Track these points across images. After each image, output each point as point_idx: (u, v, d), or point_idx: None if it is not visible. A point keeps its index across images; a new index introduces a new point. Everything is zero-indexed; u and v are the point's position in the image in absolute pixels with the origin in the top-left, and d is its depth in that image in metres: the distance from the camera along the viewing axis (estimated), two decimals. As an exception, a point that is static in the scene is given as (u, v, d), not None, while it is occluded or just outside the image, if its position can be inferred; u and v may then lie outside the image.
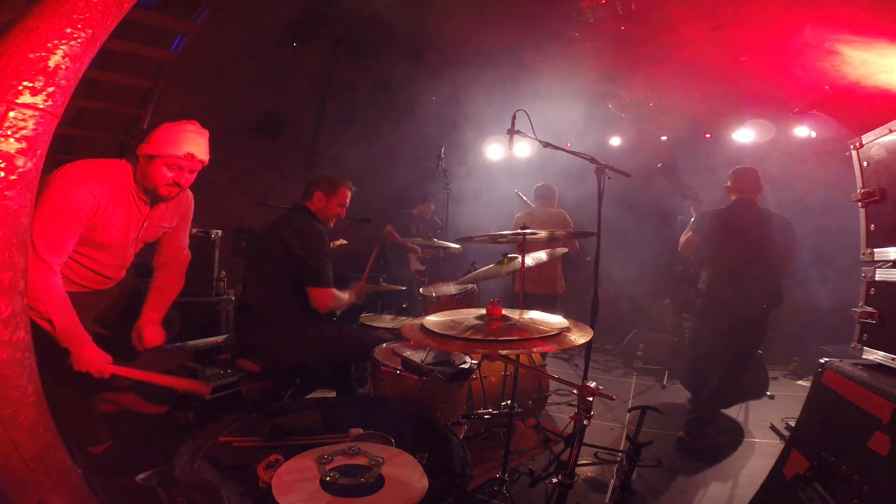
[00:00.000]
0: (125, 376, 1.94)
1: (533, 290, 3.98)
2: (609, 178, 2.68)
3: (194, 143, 2.01)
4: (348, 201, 2.69)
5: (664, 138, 6.08)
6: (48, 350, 1.84)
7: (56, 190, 1.80)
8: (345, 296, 2.54)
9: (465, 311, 1.70)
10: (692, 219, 3.33)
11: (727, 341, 2.94)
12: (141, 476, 1.34)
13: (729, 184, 3.11)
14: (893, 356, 1.55)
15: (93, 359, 1.83)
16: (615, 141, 5.96)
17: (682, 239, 3.29)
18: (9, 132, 1.20)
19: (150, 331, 2.14)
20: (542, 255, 2.99)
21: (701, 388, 3.15)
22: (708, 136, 5.72)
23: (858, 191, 1.78)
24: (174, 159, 1.97)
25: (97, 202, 1.88)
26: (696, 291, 3.27)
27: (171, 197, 2.08)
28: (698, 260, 3.51)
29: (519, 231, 2.39)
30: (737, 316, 2.89)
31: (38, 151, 1.28)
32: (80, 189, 1.84)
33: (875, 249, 1.70)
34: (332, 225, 2.66)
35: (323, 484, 1.24)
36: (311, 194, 2.58)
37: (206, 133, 2.06)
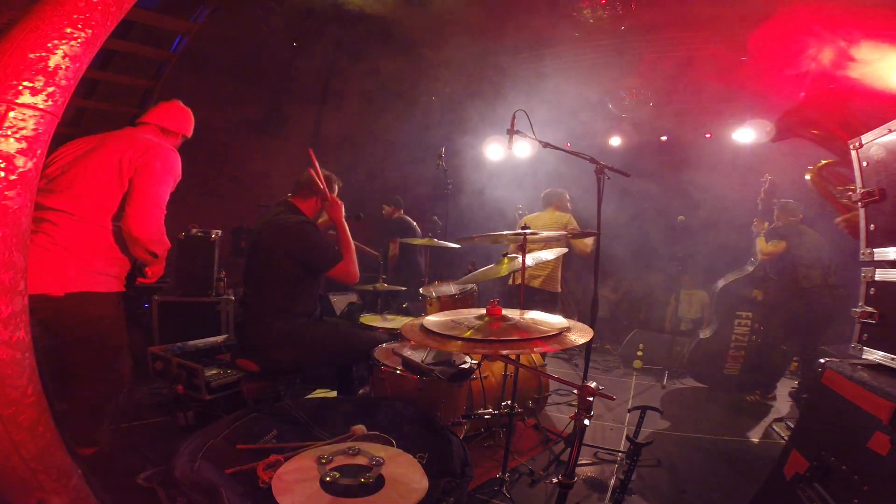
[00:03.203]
0: None
1: (537, 284, 4.05)
2: (609, 178, 2.68)
3: None
4: None
5: (664, 138, 6.08)
6: (74, 350, 1.91)
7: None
8: (349, 257, 2.47)
9: (465, 311, 1.70)
10: (763, 229, 4.09)
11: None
12: (141, 476, 1.34)
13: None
14: (893, 356, 1.55)
15: None
16: (615, 141, 5.96)
17: (773, 247, 3.94)
18: (9, 132, 1.20)
19: None
20: (542, 256, 2.99)
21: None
22: (708, 136, 5.72)
23: (858, 191, 1.78)
24: None
25: None
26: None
27: None
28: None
29: (519, 231, 2.39)
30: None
31: (38, 151, 1.28)
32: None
33: (875, 249, 1.70)
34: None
35: (323, 484, 1.24)
36: (312, 195, 2.56)
37: None
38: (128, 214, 1.92)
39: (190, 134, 2.37)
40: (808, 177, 2.45)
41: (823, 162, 2.39)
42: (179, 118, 2.27)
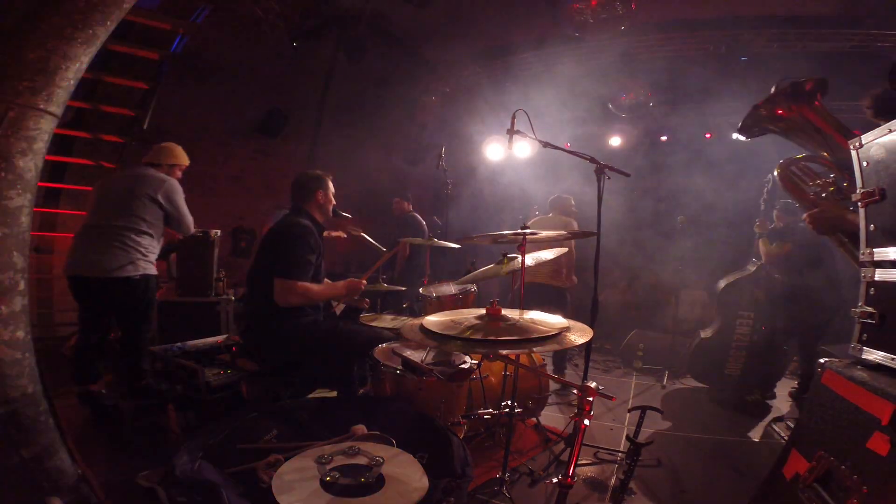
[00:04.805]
0: None
1: (545, 280, 4.04)
2: (609, 177, 2.68)
3: None
4: None
5: (664, 138, 6.08)
6: (144, 306, 2.96)
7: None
8: (317, 288, 2.47)
9: (465, 311, 1.70)
10: (767, 230, 4.02)
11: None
12: (141, 476, 1.34)
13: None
14: (893, 356, 1.55)
15: None
16: (615, 141, 5.96)
17: (778, 249, 3.90)
18: (9, 132, 1.20)
19: None
20: (545, 255, 2.98)
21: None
22: (708, 135, 5.72)
23: (858, 191, 1.78)
24: None
25: None
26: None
27: None
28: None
29: (519, 231, 2.39)
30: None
31: (39, 151, 1.28)
32: None
33: (875, 249, 1.70)
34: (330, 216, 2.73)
35: (323, 484, 1.24)
36: (313, 194, 2.60)
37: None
38: (179, 223, 3.09)
39: (182, 163, 3.22)
40: (775, 172, 2.47)
41: (797, 157, 2.41)
42: (165, 156, 3.16)
